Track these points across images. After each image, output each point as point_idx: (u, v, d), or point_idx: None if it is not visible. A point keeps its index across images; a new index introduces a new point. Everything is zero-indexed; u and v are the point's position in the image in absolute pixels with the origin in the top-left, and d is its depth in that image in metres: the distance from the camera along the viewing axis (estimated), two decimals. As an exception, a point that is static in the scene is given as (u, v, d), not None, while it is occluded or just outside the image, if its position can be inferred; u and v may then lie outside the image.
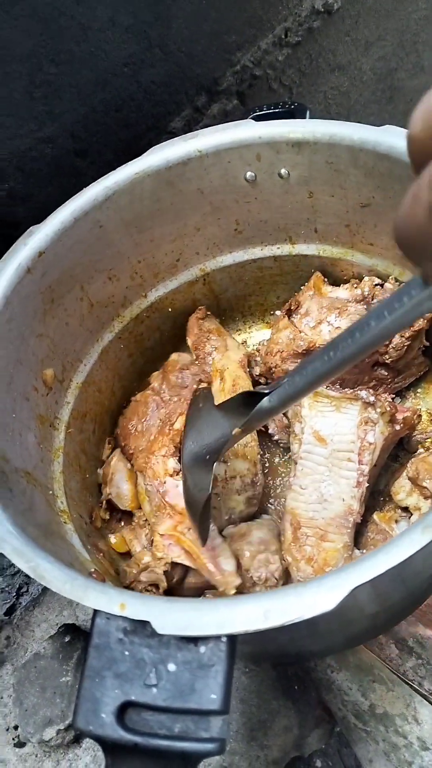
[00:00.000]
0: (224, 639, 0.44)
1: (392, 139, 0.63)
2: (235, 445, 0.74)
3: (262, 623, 0.41)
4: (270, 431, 0.83)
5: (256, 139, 0.71)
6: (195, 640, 0.44)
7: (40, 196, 0.82)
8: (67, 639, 0.79)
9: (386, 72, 1.31)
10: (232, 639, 0.44)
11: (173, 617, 0.43)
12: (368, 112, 1.32)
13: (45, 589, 0.91)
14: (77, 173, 0.85)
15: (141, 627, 0.45)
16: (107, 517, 0.82)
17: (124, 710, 0.44)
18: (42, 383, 0.75)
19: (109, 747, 0.44)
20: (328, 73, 1.16)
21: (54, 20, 0.74)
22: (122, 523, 0.84)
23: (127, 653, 0.45)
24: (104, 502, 0.82)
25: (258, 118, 0.76)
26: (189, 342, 0.87)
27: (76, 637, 0.79)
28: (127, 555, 0.80)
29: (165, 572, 0.67)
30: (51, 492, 0.72)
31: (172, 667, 0.44)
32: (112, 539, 0.80)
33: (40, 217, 0.78)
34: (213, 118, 0.98)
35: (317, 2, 1.06)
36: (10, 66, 0.72)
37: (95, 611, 0.47)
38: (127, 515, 0.84)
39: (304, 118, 0.75)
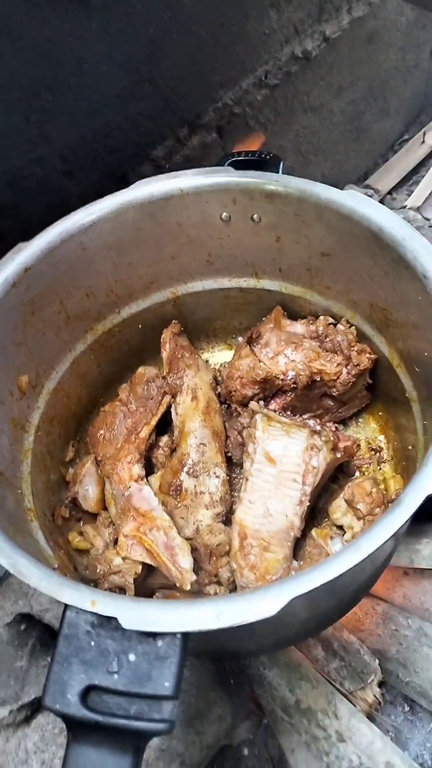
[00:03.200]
0: (179, 635, 0.51)
1: (354, 203, 0.72)
2: (208, 461, 0.82)
3: (215, 624, 0.48)
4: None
5: (234, 186, 0.79)
6: (154, 635, 0.51)
7: (26, 211, 0.87)
8: (22, 627, 0.84)
9: (355, 114, 1.40)
10: (186, 635, 0.51)
11: (138, 615, 0.50)
12: (335, 150, 1.41)
13: (0, 580, 0.96)
14: (63, 191, 0.91)
15: (107, 621, 0.52)
16: (67, 515, 0.88)
17: (87, 692, 0.50)
18: (17, 388, 0.81)
19: (73, 724, 0.50)
20: (301, 114, 1.24)
21: (54, 53, 0.79)
22: (81, 522, 0.90)
23: (93, 643, 0.52)
24: (69, 500, 0.88)
25: (235, 164, 0.84)
26: (163, 355, 0.93)
27: (31, 626, 0.85)
28: (85, 552, 0.86)
29: (134, 579, 0.74)
30: (19, 491, 0.77)
31: (132, 657, 0.51)
32: (75, 537, 0.85)
33: (25, 230, 0.84)
34: (192, 149, 1.05)
35: (297, 49, 1.14)
36: (10, 93, 0.77)
37: (66, 605, 0.53)
38: (86, 515, 0.90)
39: (278, 168, 0.82)
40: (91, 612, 0.52)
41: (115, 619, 0.51)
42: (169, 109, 0.98)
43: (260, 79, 1.10)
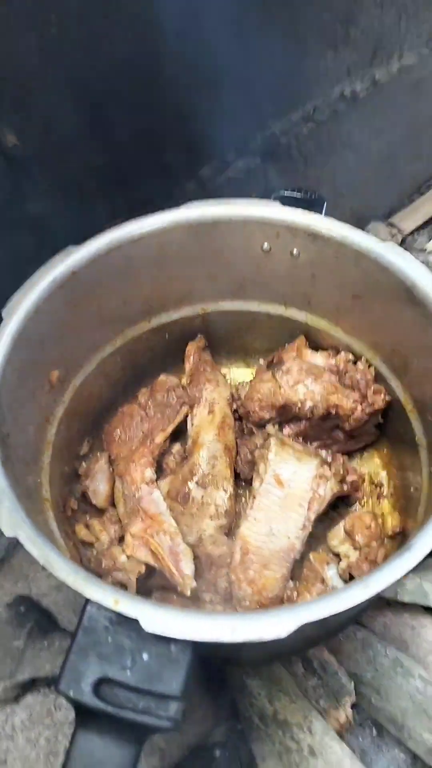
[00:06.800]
0: (190, 642, 0.55)
1: (392, 255, 0.77)
2: (217, 474, 0.86)
3: (229, 637, 0.52)
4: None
5: (279, 221, 0.83)
6: (168, 639, 0.55)
7: (76, 215, 0.90)
8: (21, 609, 0.88)
9: (389, 156, 1.45)
10: (197, 643, 0.55)
11: (158, 619, 0.53)
12: (366, 187, 1.46)
13: (1, 561, 1.00)
14: (112, 200, 0.94)
15: (125, 621, 0.55)
16: (76, 507, 0.91)
17: (100, 683, 0.54)
18: (48, 382, 0.84)
19: (83, 711, 0.54)
20: (340, 150, 1.29)
21: (127, 69, 0.83)
22: (87, 516, 0.93)
23: (110, 639, 0.55)
24: (79, 493, 0.92)
25: (282, 199, 0.88)
26: (186, 367, 0.97)
27: (30, 609, 0.89)
28: (88, 545, 0.90)
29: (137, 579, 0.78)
30: (39, 480, 0.81)
31: (145, 656, 0.55)
32: (81, 530, 0.89)
33: (73, 233, 0.87)
34: (236, 172, 1.10)
35: (347, 89, 1.19)
36: (82, 102, 0.81)
37: (88, 599, 0.57)
38: (93, 509, 0.93)
39: (321, 209, 0.87)
40: (112, 610, 0.56)
41: (135, 619, 0.55)
42: (221, 133, 1.02)
43: (309, 114, 1.14)
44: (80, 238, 0.83)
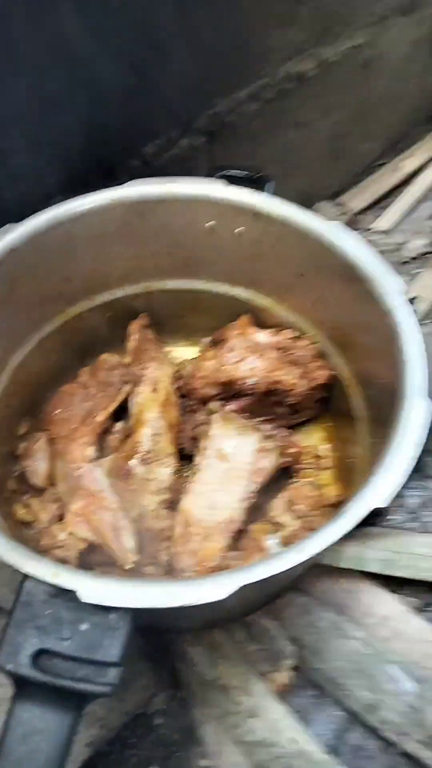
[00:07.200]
0: (129, 610, 0.56)
1: (335, 234, 0.79)
2: (160, 451, 0.87)
3: (169, 602, 0.54)
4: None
5: (223, 200, 0.84)
6: (107, 608, 0.56)
7: (12, 191, 0.89)
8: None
9: (338, 135, 1.46)
10: (136, 610, 0.56)
11: (96, 590, 0.55)
12: (314, 166, 1.47)
13: None
14: (51, 176, 0.93)
15: (64, 593, 0.56)
16: (14, 488, 0.91)
17: (39, 655, 0.55)
18: (-17, 363, 0.83)
19: (21, 683, 0.55)
20: (288, 129, 1.30)
21: (68, 45, 0.82)
22: (25, 496, 0.93)
23: (48, 612, 0.56)
24: (17, 473, 0.92)
25: (226, 177, 0.89)
26: (129, 345, 0.97)
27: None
28: (27, 524, 0.90)
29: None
30: (-25, 461, 0.80)
31: (84, 626, 0.56)
32: (20, 509, 0.89)
33: (8, 209, 0.85)
34: (181, 149, 1.09)
35: (295, 68, 1.19)
36: (18, 78, 0.79)
37: (25, 575, 0.58)
38: (32, 489, 0.93)
39: (267, 188, 0.87)
40: (50, 583, 0.57)
41: (73, 591, 0.56)
42: (166, 110, 1.02)
43: (256, 93, 1.14)
44: (19, 216, 0.82)
